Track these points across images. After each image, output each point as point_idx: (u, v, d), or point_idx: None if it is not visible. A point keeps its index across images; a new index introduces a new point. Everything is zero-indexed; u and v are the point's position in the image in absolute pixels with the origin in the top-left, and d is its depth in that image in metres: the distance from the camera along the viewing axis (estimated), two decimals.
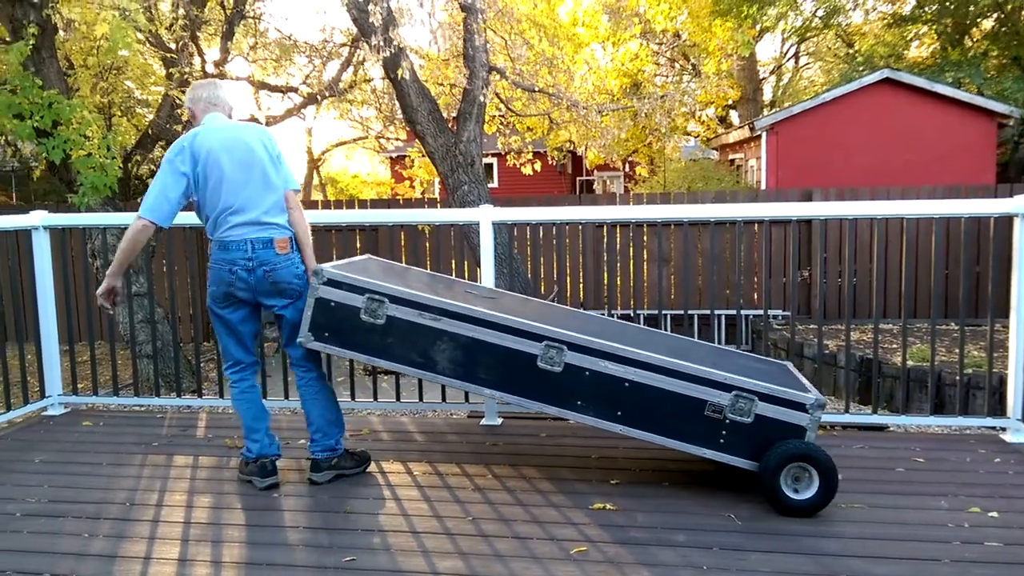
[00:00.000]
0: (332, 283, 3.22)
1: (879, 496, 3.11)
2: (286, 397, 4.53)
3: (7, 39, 7.86)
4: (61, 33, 7.97)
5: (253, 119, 12.86)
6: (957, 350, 6.00)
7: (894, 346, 8.20)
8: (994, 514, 2.91)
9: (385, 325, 3.21)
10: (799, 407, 3.00)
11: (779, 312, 10.21)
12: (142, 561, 2.65)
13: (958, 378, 4.39)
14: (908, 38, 19.66)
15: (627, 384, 3.08)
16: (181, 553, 2.71)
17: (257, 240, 3.20)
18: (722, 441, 3.04)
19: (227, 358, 3.40)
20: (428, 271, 4.17)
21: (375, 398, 4.48)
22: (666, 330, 10.24)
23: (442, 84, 10.25)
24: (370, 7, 7.01)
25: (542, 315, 3.56)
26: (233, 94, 3.45)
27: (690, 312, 10.40)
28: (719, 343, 10.09)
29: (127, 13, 7.52)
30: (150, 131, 9.80)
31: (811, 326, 9.61)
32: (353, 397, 4.65)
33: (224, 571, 2.58)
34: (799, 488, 2.96)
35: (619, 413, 3.11)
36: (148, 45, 9.70)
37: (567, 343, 3.11)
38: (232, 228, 3.19)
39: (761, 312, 10.21)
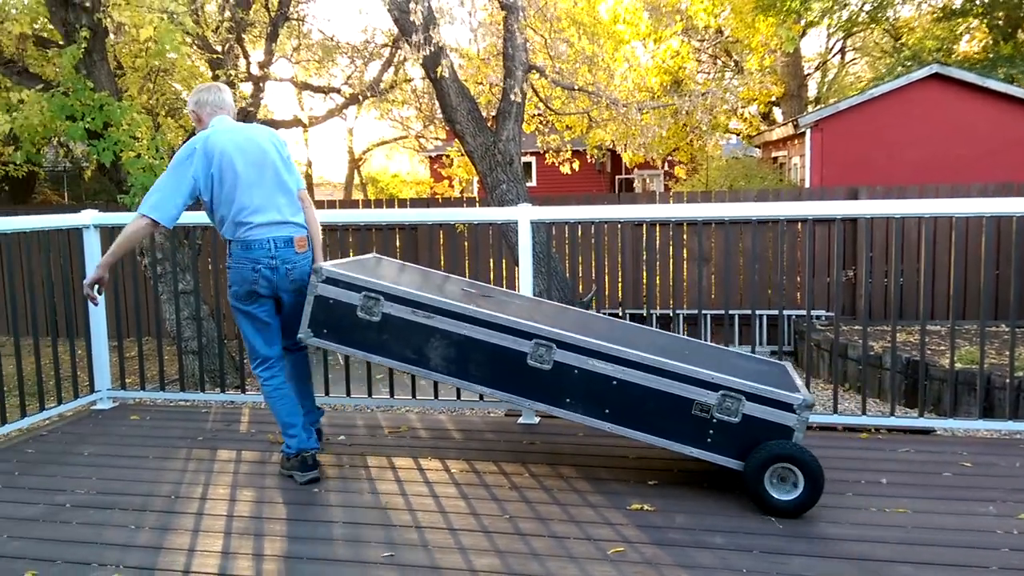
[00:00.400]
0: (330, 281, 3.31)
1: (925, 501, 3.04)
2: (326, 393, 4.59)
3: (60, 43, 8.09)
4: (112, 36, 8.17)
5: (296, 120, 13.05)
6: (1007, 353, 5.82)
7: (942, 348, 8.01)
8: None
9: (381, 322, 3.29)
10: (786, 407, 2.99)
11: (823, 312, 10.04)
12: (186, 553, 2.71)
13: (1008, 381, 4.27)
14: (958, 32, 19.17)
15: (615, 382, 3.11)
16: (224, 546, 2.76)
17: (279, 239, 3.28)
18: (709, 440, 3.05)
19: (255, 356, 3.44)
20: (441, 272, 4.20)
21: (413, 395, 4.52)
22: (707, 331, 10.15)
23: (481, 83, 10.28)
24: (411, 6, 7.06)
25: (537, 313, 3.59)
26: (232, 98, 3.52)
27: (731, 312, 10.29)
28: (760, 344, 9.97)
29: (175, 16, 7.68)
30: (196, 132, 9.97)
31: (856, 327, 9.43)
32: (392, 394, 4.69)
33: (265, 564, 2.62)
34: (785, 488, 2.95)
35: (607, 411, 3.14)
36: (195, 47, 9.89)
37: (556, 341, 3.15)
38: (254, 228, 3.26)
39: (804, 312, 10.05)
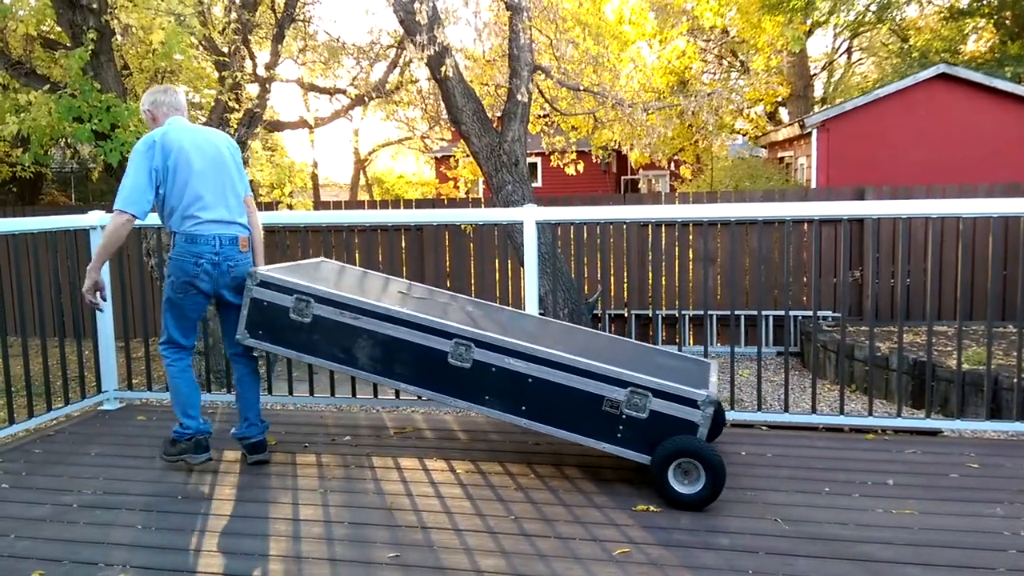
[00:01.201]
0: (264, 284, 3.44)
1: (932, 502, 3.03)
2: (331, 393, 4.59)
3: (67, 44, 8.12)
4: (118, 37, 8.20)
5: (302, 121, 13.07)
6: (1015, 353, 5.78)
7: (948, 349, 7.97)
8: None
9: (312, 323, 3.42)
10: (691, 403, 3.06)
11: (829, 313, 10.01)
12: (192, 553, 2.72)
13: (1016, 382, 4.25)
14: (965, 32, 19.10)
15: (530, 380, 3.21)
16: (229, 546, 2.77)
17: (225, 236, 3.42)
18: (619, 435, 3.14)
19: (167, 341, 3.54)
20: (383, 275, 4.27)
21: (419, 395, 4.51)
22: (712, 332, 10.14)
23: (487, 84, 10.28)
24: (416, 6, 7.07)
25: (467, 314, 3.73)
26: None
27: (737, 313, 10.27)
28: (767, 345, 9.94)
29: (182, 19, 7.70)
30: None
31: (862, 328, 9.40)
32: (398, 395, 4.70)
33: (271, 564, 2.63)
34: (688, 482, 3.03)
35: (523, 408, 3.24)
36: (201, 49, 9.92)
37: (475, 340, 3.26)
38: (201, 223, 3.38)
39: (810, 313, 10.02)
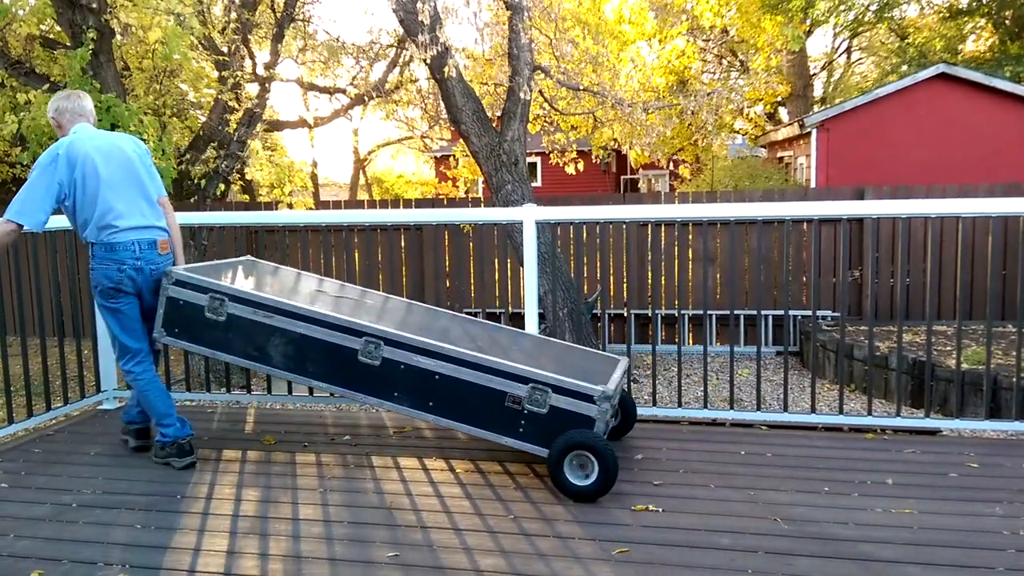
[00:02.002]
0: (180, 283, 3.49)
1: (931, 502, 3.03)
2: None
3: (67, 43, 8.11)
4: (118, 37, 8.19)
5: (302, 121, 13.08)
6: (1014, 353, 5.78)
7: (948, 348, 7.98)
8: None
9: (226, 321, 3.48)
10: (588, 399, 3.14)
11: (828, 313, 10.01)
12: (191, 553, 2.72)
13: (1015, 381, 4.26)
14: (965, 32, 19.11)
15: (437, 377, 3.30)
16: (229, 545, 2.77)
17: (143, 241, 3.48)
18: (521, 430, 3.23)
19: (124, 352, 3.58)
20: (320, 277, 4.31)
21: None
22: (712, 331, 10.14)
23: (486, 83, 10.28)
24: (418, 5, 7.07)
25: (383, 312, 3.82)
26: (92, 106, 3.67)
27: (736, 312, 10.27)
28: (766, 344, 9.94)
29: (182, 18, 7.70)
30: (202, 132, 10.02)
31: (862, 327, 9.40)
32: None
33: (271, 563, 2.63)
34: (583, 475, 3.12)
35: (431, 404, 3.33)
36: (201, 48, 9.92)
37: (384, 338, 3.33)
38: (118, 232, 3.42)
39: (810, 313, 10.02)
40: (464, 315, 4.22)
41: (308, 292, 3.88)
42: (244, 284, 3.61)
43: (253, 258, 4.31)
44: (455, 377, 3.28)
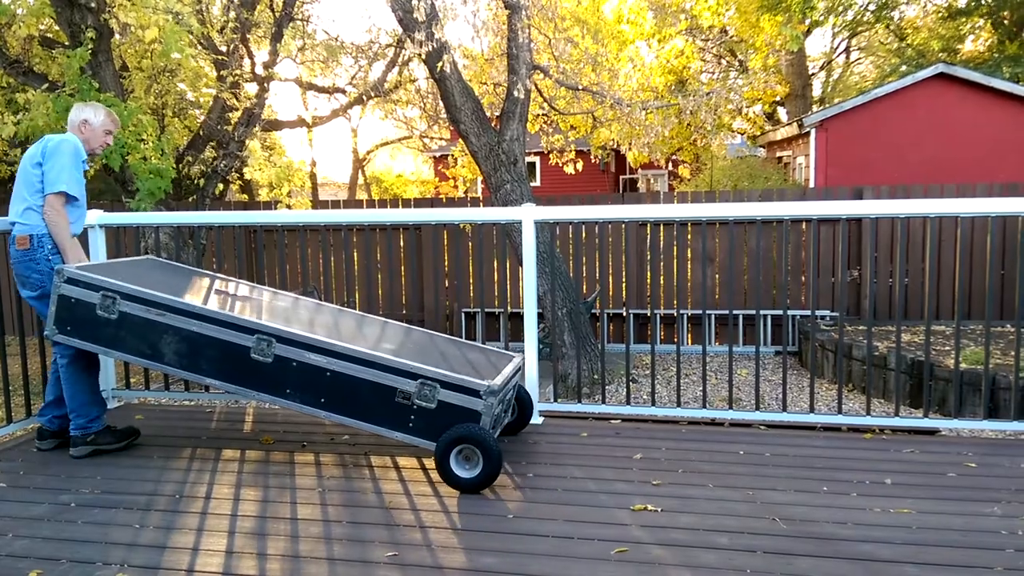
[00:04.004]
0: (71, 281, 3.51)
1: (930, 502, 3.03)
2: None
3: (65, 43, 8.10)
4: (117, 37, 8.18)
5: (301, 120, 13.07)
6: (1013, 353, 5.80)
7: (947, 348, 7.98)
8: None
9: (119, 319, 3.50)
10: (475, 393, 3.21)
11: (827, 313, 10.02)
12: (190, 552, 2.72)
13: (1013, 381, 4.26)
14: (963, 32, 19.12)
15: (328, 373, 3.34)
16: (228, 545, 2.77)
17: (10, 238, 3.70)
18: (411, 425, 3.29)
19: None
20: (225, 277, 4.33)
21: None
22: (711, 331, 10.14)
23: (485, 83, 10.28)
24: (414, 3, 7.06)
25: (289, 312, 3.85)
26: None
27: (735, 312, 10.27)
28: (765, 344, 9.95)
29: (180, 17, 7.69)
30: (200, 132, 10.02)
31: (860, 327, 9.41)
32: None
33: (270, 563, 2.63)
34: (469, 467, 3.20)
35: (323, 400, 3.37)
36: (200, 48, 9.91)
37: (276, 336, 3.37)
38: None
39: (809, 313, 10.02)
40: (370, 315, 4.26)
41: (207, 291, 3.91)
42: (139, 283, 3.60)
43: (155, 257, 4.35)
44: (346, 374, 3.32)
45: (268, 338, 3.38)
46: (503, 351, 3.99)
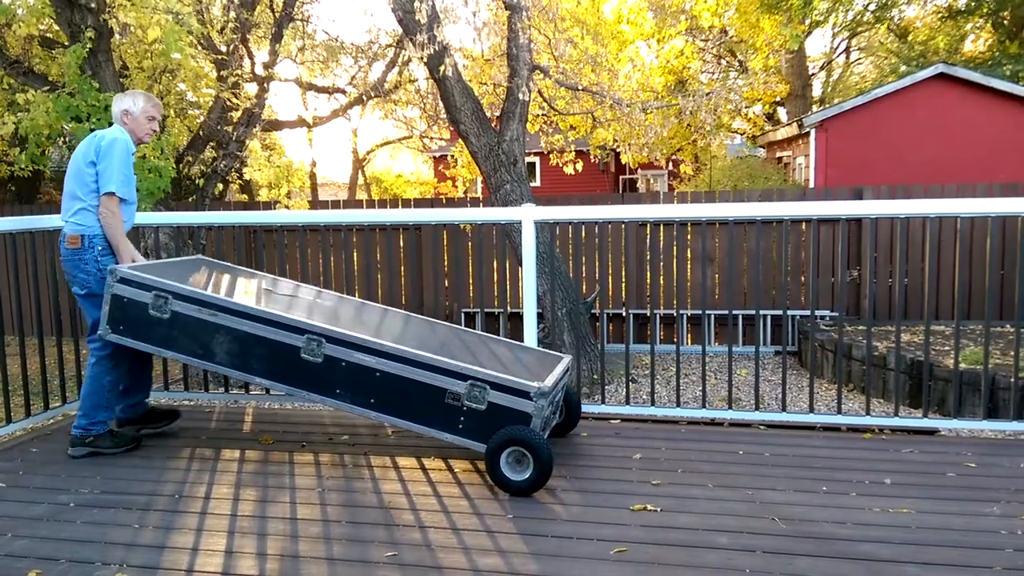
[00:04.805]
0: (124, 281, 3.53)
1: (929, 501, 3.03)
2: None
3: (65, 43, 8.10)
4: (117, 36, 8.17)
5: (301, 120, 13.07)
6: (1012, 353, 5.79)
7: (946, 348, 7.98)
8: None
9: (171, 319, 3.52)
10: (525, 395, 3.18)
11: (827, 313, 10.02)
12: (190, 552, 2.72)
13: (1013, 381, 4.26)
14: (963, 32, 19.12)
15: (378, 374, 3.34)
16: (227, 545, 2.77)
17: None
18: (460, 426, 3.27)
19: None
20: (274, 277, 4.34)
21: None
22: (711, 331, 10.14)
23: (485, 83, 10.27)
24: (416, 4, 7.06)
25: (334, 311, 3.86)
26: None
27: (735, 312, 10.27)
28: (764, 344, 9.95)
29: (180, 17, 7.69)
30: (201, 132, 10.02)
31: (860, 327, 9.41)
32: None
33: (268, 563, 2.63)
34: (519, 469, 3.17)
35: (372, 400, 3.37)
36: (200, 48, 9.91)
37: (325, 336, 3.37)
38: None
39: (808, 313, 10.03)
40: (416, 315, 4.27)
41: (256, 291, 3.92)
42: (191, 282, 3.62)
43: (204, 257, 4.35)
44: (396, 374, 3.31)
45: (318, 338, 3.38)
46: (552, 352, 3.96)
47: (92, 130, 7.61)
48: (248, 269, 4.36)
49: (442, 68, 7.47)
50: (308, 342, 3.39)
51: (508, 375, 3.25)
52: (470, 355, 3.55)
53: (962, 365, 6.96)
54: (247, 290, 3.91)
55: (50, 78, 8.25)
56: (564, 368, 3.69)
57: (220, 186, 10.15)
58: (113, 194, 3.63)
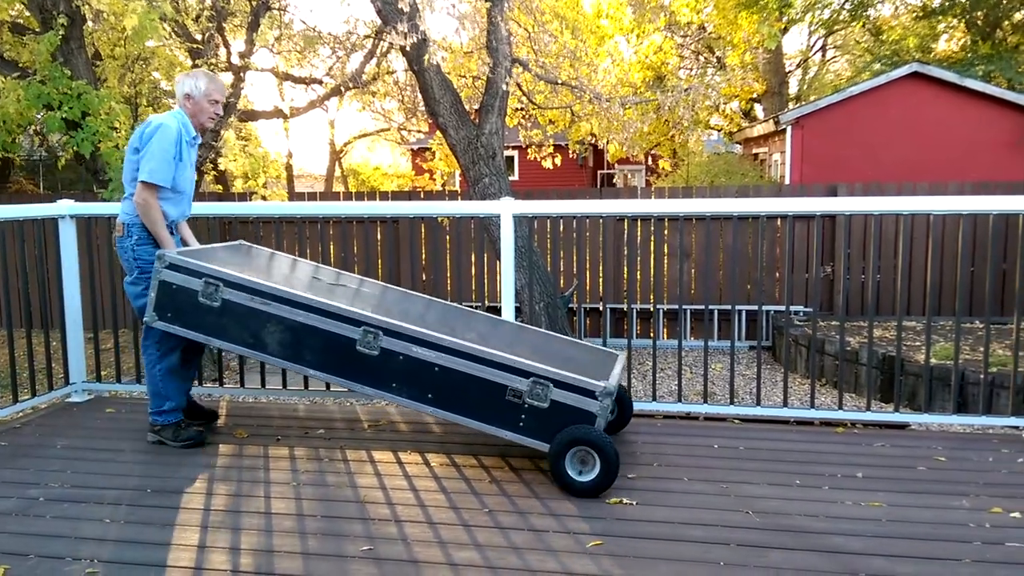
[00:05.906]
0: (173, 267, 3.45)
1: (900, 495, 3.07)
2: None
3: (36, 29, 7.95)
4: (90, 23, 8.04)
5: (277, 111, 12.93)
6: (982, 348, 5.91)
7: (917, 344, 8.10)
8: (1016, 514, 2.87)
9: (221, 307, 3.43)
10: (589, 394, 3.12)
11: (801, 308, 10.12)
12: (161, 547, 2.68)
13: (982, 376, 4.33)
14: (937, 31, 19.35)
15: (437, 368, 3.25)
16: (200, 540, 2.74)
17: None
18: (521, 424, 3.19)
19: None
20: (315, 264, 4.26)
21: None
22: (686, 326, 10.21)
23: (464, 76, 10.24)
24: None
25: (380, 301, 3.79)
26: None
27: (711, 307, 10.34)
28: (740, 339, 10.03)
29: (155, 4, 7.57)
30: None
31: (833, 323, 9.52)
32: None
33: (242, 558, 2.60)
34: (584, 470, 3.10)
35: (430, 396, 3.29)
36: (175, 36, 9.78)
37: (383, 328, 3.29)
38: None
39: (783, 308, 10.12)
40: (465, 307, 4.18)
41: (304, 279, 3.82)
42: (239, 269, 3.52)
43: (245, 242, 4.22)
44: (455, 369, 3.22)
45: (375, 330, 3.28)
46: (608, 349, 3.91)
47: (64, 119, 7.51)
48: (290, 256, 4.27)
49: (426, 58, 7.42)
50: (365, 334, 3.29)
51: (572, 373, 3.16)
52: (532, 351, 3.45)
53: (932, 360, 7.07)
54: (295, 277, 3.81)
55: (21, 64, 8.10)
56: (622, 366, 3.63)
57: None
58: (147, 182, 3.53)
